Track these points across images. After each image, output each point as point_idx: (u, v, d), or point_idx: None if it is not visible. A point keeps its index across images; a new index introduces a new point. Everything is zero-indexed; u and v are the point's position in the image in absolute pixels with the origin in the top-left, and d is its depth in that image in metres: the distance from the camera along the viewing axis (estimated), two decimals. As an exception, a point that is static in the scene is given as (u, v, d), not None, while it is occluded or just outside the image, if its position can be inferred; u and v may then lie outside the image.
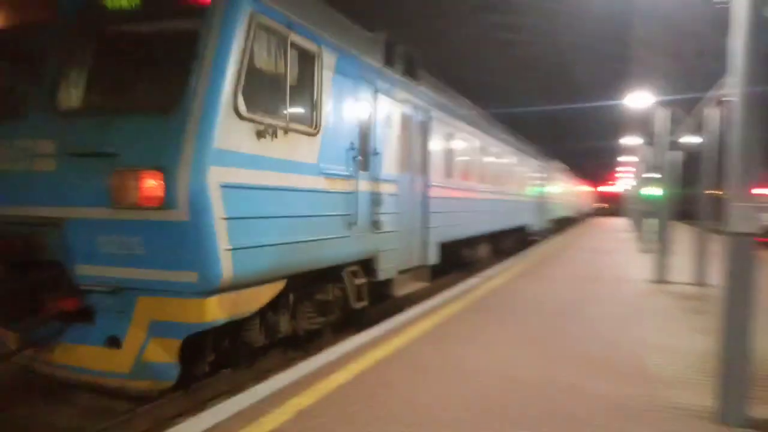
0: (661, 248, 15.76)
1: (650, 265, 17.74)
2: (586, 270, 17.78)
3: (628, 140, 29.64)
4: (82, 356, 6.77)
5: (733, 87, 5.71)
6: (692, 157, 15.57)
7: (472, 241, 16.77)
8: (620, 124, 34.99)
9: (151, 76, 6.70)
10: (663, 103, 17.43)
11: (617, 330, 9.65)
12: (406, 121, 11.10)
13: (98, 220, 6.39)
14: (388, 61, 10.33)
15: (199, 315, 6.38)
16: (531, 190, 27.78)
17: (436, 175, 12.66)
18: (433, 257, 12.32)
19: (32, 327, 6.57)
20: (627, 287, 14.32)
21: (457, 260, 16.02)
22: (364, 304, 9.61)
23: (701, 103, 12.95)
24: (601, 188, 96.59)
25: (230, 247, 6.45)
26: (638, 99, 18.85)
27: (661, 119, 15.86)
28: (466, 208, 15.34)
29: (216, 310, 6.53)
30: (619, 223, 55.36)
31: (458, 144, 14.60)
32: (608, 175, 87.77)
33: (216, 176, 6.27)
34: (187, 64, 6.38)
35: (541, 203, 31.99)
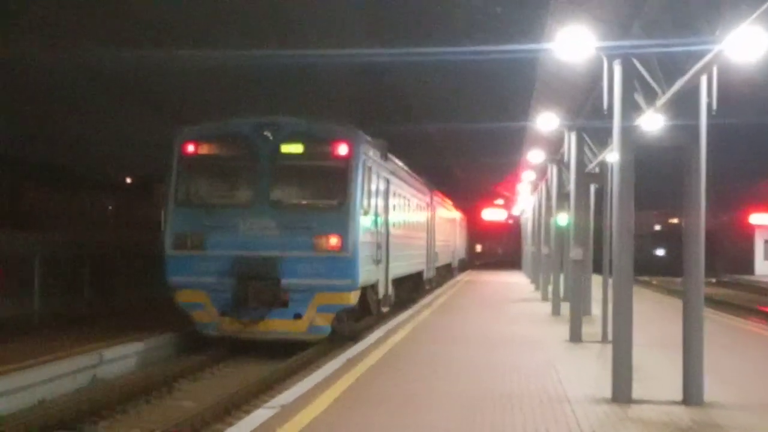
0: (621, 333, 12.09)
1: (590, 368, 14.82)
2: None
3: (531, 157, 28.56)
4: (279, 325, 19.26)
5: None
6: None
7: (404, 279, 28.49)
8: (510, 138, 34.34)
9: (324, 188, 20.36)
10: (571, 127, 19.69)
11: None
12: (386, 188, 23.97)
13: (304, 256, 19.31)
14: (383, 156, 23.38)
15: (350, 300, 19.82)
16: (423, 232, 34.51)
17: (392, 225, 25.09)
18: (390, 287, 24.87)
19: (260, 312, 19.21)
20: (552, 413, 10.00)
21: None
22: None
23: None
24: (487, 215, 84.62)
25: (362, 269, 20.10)
26: (546, 121, 20.06)
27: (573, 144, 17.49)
28: (404, 249, 28.05)
29: (354, 298, 19.95)
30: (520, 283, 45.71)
31: (399, 199, 27.03)
32: (496, 197, 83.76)
33: (359, 237, 19.80)
34: (343, 184, 19.83)
35: (430, 246, 35.54)
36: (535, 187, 39.43)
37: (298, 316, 19.48)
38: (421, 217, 34.02)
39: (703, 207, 11.76)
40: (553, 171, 26.29)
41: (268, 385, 16.25)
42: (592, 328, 19.61)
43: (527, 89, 22.58)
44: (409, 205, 29.54)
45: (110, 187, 42.94)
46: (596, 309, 21.48)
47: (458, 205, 59.73)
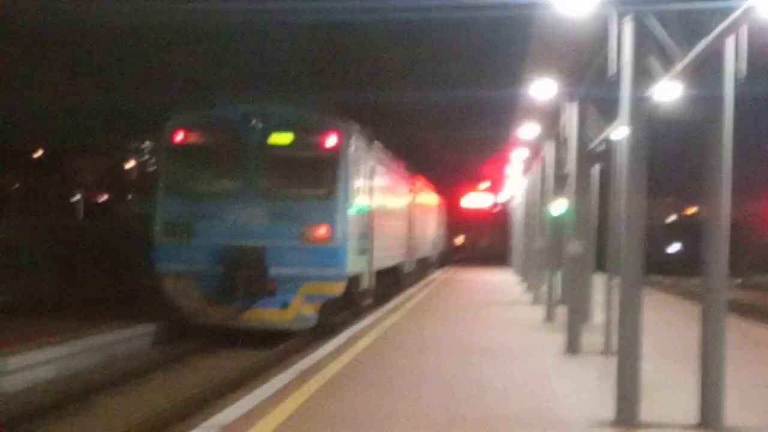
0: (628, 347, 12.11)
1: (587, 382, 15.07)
2: None
3: (523, 131, 28.65)
4: (266, 314, 22.85)
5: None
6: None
7: (385, 272, 32.56)
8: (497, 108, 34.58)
9: (313, 178, 23.79)
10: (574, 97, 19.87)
11: None
12: (371, 177, 27.98)
13: (291, 246, 22.92)
14: (369, 144, 27.49)
15: (337, 290, 23.65)
16: (405, 222, 39.06)
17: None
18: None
19: (246, 301, 22.69)
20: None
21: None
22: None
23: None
24: (470, 200, 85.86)
25: (349, 259, 24.01)
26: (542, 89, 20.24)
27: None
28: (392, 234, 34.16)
29: (341, 288, 23.74)
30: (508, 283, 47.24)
31: (383, 188, 31.16)
32: (479, 180, 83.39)
33: (347, 228, 23.77)
34: (332, 175, 23.58)
35: (410, 238, 39.76)
36: (527, 168, 39.46)
37: (285, 306, 23.15)
38: (404, 206, 38.69)
39: (727, 194, 11.79)
40: (549, 149, 26.37)
41: (219, 393, 17.18)
42: (593, 337, 19.72)
43: (519, 51, 22.56)
44: (392, 194, 34.17)
45: (15, 162, 42.54)
46: (598, 314, 21.56)
47: (436, 190, 59.79)
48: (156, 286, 23.87)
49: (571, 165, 20.20)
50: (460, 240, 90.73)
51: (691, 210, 79.38)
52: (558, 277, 25.97)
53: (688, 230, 66.78)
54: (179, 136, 24.13)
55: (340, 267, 23.74)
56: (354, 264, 25.03)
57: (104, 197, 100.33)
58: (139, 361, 20.82)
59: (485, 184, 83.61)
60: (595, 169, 23.34)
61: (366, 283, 27.70)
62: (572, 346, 18.99)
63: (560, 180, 24.52)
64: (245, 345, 22.93)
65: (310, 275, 23.20)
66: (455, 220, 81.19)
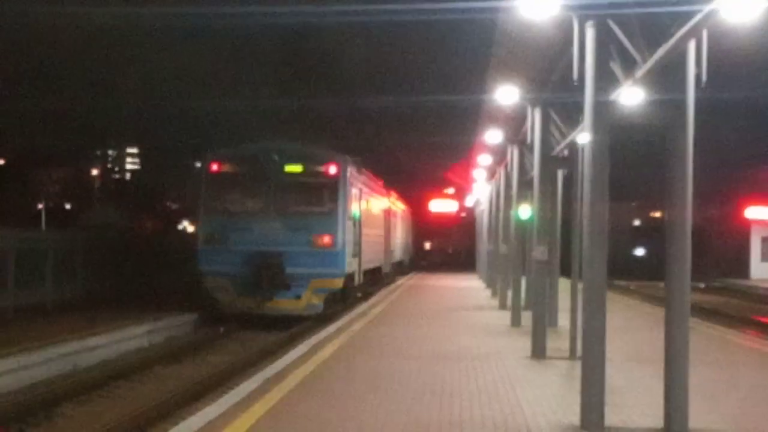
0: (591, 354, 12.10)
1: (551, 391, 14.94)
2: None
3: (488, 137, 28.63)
4: (283, 303, 30.13)
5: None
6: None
7: (369, 272, 39.62)
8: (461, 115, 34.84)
9: (318, 199, 31.40)
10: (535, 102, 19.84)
11: None
12: (360, 196, 35.25)
13: (303, 251, 30.18)
14: (359, 170, 35.52)
15: (338, 284, 31.23)
16: (383, 230, 46.31)
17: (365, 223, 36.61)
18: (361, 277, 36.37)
19: (269, 294, 29.91)
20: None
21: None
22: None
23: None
24: (436, 206, 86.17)
25: (346, 261, 31.58)
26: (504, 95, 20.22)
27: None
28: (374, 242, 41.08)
29: (341, 283, 31.38)
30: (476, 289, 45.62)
31: (368, 204, 38.26)
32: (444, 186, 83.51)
33: (345, 236, 31.23)
34: (333, 196, 31.29)
35: (387, 244, 47.42)
36: (492, 173, 39.59)
37: (298, 297, 30.25)
38: (382, 218, 46.12)
39: (689, 198, 11.84)
40: (513, 154, 26.42)
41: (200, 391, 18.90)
42: (558, 342, 19.77)
43: (483, 56, 22.60)
44: (374, 208, 41.89)
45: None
46: (564, 319, 21.60)
47: (404, 197, 60.01)
48: (197, 283, 31.46)
49: (535, 170, 20.19)
50: (427, 245, 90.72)
51: (656, 214, 79.76)
52: (523, 282, 26.01)
53: (654, 234, 67.13)
54: (214, 167, 31.71)
55: (340, 267, 31.04)
56: (350, 265, 32.37)
57: (68, 206, 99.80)
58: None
59: (451, 190, 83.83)
60: (559, 174, 23.43)
61: (357, 280, 35.40)
62: (538, 351, 18.97)
63: (524, 185, 24.57)
64: (266, 328, 29.32)
65: (318, 273, 30.34)
66: (421, 226, 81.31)
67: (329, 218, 31.06)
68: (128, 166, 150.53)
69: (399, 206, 59.62)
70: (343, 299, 33.38)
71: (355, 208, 33.74)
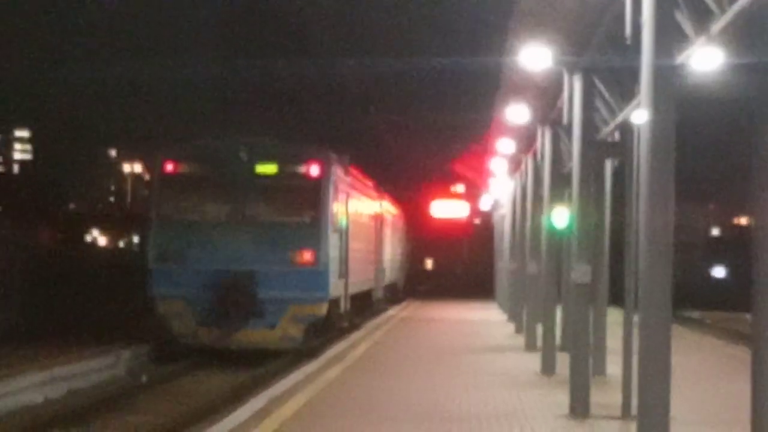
0: None
1: None
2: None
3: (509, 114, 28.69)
4: (254, 335, 32.54)
5: None
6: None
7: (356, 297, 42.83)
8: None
9: (297, 205, 34.54)
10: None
11: None
12: (347, 202, 38.80)
13: (278, 270, 32.86)
14: (345, 171, 39.01)
15: (321, 311, 34.04)
16: (374, 245, 50.35)
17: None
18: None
19: (236, 323, 32.13)
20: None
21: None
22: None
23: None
24: (440, 210, 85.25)
25: (331, 282, 34.96)
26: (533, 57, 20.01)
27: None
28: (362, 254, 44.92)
29: (325, 309, 34.44)
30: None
31: (356, 211, 42.24)
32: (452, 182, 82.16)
33: (329, 252, 34.27)
34: (315, 202, 34.08)
35: (379, 262, 51.27)
36: (516, 164, 39.72)
37: (272, 327, 32.32)
38: (373, 228, 50.37)
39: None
40: (545, 138, 26.60)
41: None
42: (605, 396, 20.06)
43: (505, 7, 22.67)
44: (364, 217, 45.71)
45: None
46: (613, 364, 21.66)
47: (394, 196, 60.03)
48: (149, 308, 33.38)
49: (575, 160, 20.24)
50: (428, 264, 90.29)
51: (742, 220, 79.99)
52: (558, 314, 26.05)
53: (738, 248, 67.18)
54: (169, 167, 33.70)
55: (324, 289, 33.57)
56: (335, 287, 35.21)
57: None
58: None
59: (460, 188, 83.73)
60: (607, 166, 23.44)
61: (343, 306, 38.43)
62: (579, 408, 19.08)
63: (560, 181, 24.60)
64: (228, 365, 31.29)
65: (296, 297, 32.65)
66: (421, 236, 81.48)
67: (311, 230, 33.48)
68: (16, 156, 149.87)
69: (392, 211, 61.91)
70: (326, 330, 35.94)
71: (341, 218, 36.53)
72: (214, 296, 31.42)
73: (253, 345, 32.13)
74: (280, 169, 33.37)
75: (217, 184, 33.40)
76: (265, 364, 31.61)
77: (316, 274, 33.00)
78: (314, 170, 33.44)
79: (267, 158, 33.42)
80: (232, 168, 33.11)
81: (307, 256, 32.67)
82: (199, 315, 31.66)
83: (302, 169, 33.65)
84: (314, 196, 33.50)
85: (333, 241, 34.32)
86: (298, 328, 32.57)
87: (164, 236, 33.08)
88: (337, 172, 35.62)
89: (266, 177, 33.24)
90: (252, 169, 33.08)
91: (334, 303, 35.65)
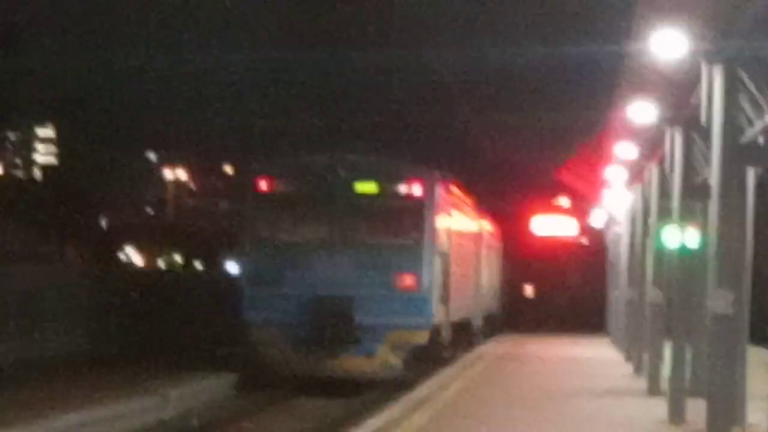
0: None
1: None
2: None
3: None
4: (351, 363, 36.72)
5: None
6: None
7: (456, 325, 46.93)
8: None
9: (398, 227, 38.78)
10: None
11: None
12: (450, 223, 43.49)
13: (378, 295, 37.26)
14: (447, 190, 42.92)
15: (423, 339, 38.16)
16: (473, 270, 55.24)
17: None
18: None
19: (333, 350, 36.62)
20: None
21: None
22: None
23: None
24: (541, 227, 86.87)
25: (435, 307, 39.17)
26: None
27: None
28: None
29: (427, 337, 38.56)
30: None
31: (458, 233, 47.30)
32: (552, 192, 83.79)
33: (432, 276, 38.58)
34: (418, 223, 38.37)
35: (477, 287, 56.62)
36: (637, 173, 39.50)
37: (370, 354, 35.35)
38: (473, 252, 54.89)
39: None
40: (675, 141, 26.27)
41: None
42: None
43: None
44: (464, 238, 49.03)
45: None
46: (757, 411, 21.47)
47: (488, 210, 60.15)
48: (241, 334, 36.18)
49: (714, 168, 20.02)
50: (527, 290, 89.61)
51: None
52: (689, 352, 25.85)
53: None
54: (263, 185, 37.19)
55: (426, 315, 36.74)
56: (437, 313, 37.98)
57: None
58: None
59: (565, 202, 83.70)
60: (750, 175, 23.16)
61: (445, 333, 41.38)
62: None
63: (693, 193, 24.42)
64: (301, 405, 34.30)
65: (397, 324, 35.79)
66: (520, 258, 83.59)
67: (413, 252, 36.70)
68: (39, 159, 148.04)
69: (489, 230, 65.46)
70: (427, 360, 38.38)
71: (444, 240, 39.49)
72: (310, 321, 34.53)
73: (349, 373, 34.83)
74: (381, 188, 36.40)
75: (315, 204, 36.57)
76: (363, 395, 35.00)
77: (418, 300, 35.96)
78: (417, 189, 36.32)
79: (366, 176, 36.42)
80: (330, 186, 36.17)
81: (408, 280, 35.72)
82: (294, 341, 34.74)
83: (404, 188, 36.56)
84: (416, 216, 36.54)
85: (436, 265, 37.09)
86: (397, 356, 35.29)
87: (258, 259, 36.37)
88: (440, 191, 38.17)
89: (366, 196, 36.32)
90: (351, 187, 36.09)
91: (436, 330, 38.00)
